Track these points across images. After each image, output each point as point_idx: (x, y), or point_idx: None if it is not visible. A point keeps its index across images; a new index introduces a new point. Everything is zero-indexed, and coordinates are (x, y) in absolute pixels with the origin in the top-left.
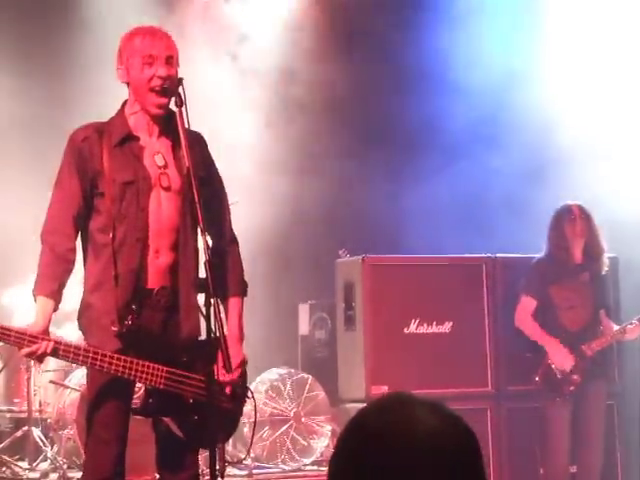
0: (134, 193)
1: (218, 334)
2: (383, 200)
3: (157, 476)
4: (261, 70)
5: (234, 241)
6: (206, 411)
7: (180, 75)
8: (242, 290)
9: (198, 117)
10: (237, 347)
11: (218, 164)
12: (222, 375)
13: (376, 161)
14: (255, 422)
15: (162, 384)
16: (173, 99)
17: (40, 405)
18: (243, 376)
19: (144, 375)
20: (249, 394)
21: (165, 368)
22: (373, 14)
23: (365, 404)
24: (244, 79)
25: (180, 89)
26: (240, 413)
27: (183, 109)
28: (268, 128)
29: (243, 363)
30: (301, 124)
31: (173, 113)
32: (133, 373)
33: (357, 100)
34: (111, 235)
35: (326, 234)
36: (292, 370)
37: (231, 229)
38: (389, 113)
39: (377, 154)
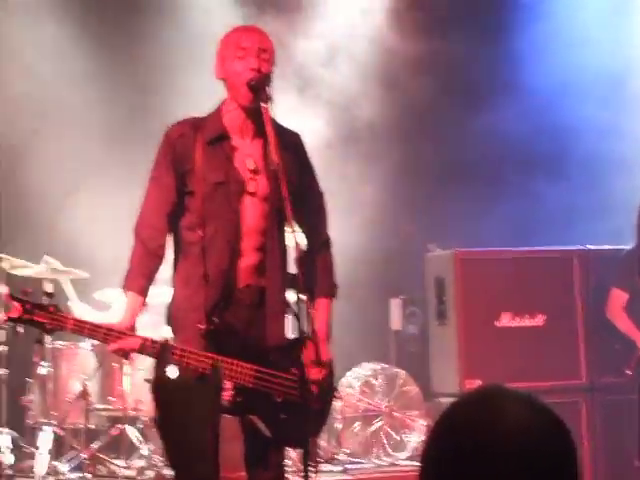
0: (225, 194)
1: (308, 331)
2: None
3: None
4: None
5: (326, 244)
6: (297, 410)
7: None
8: (332, 292)
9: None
10: (323, 347)
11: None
12: (311, 374)
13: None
14: (344, 419)
15: (251, 382)
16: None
17: (135, 403)
18: (330, 375)
19: (232, 373)
20: (336, 394)
21: (253, 366)
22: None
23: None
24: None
25: (267, 87)
26: (327, 412)
27: (270, 105)
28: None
29: (329, 363)
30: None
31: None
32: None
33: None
34: (200, 233)
35: (416, 228)
36: (385, 365)
37: (325, 232)
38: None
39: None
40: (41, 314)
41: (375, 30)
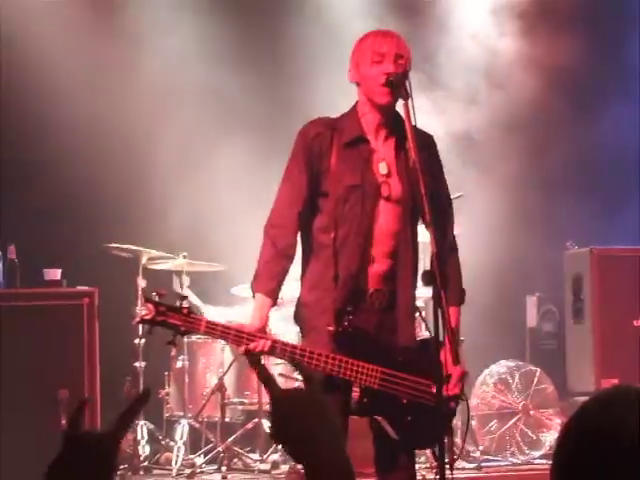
0: (359, 197)
1: (441, 330)
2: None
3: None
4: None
5: (454, 249)
6: (424, 411)
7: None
8: (460, 299)
9: None
10: (459, 353)
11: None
12: (449, 389)
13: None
14: (468, 420)
15: (376, 384)
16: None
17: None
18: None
19: (359, 375)
20: (463, 396)
21: (380, 368)
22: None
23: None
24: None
25: (406, 83)
26: (454, 412)
27: (409, 102)
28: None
29: (465, 375)
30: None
31: (399, 116)
32: (348, 373)
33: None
34: (332, 236)
35: (553, 227)
36: (520, 363)
37: (453, 235)
38: None
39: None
40: (175, 316)
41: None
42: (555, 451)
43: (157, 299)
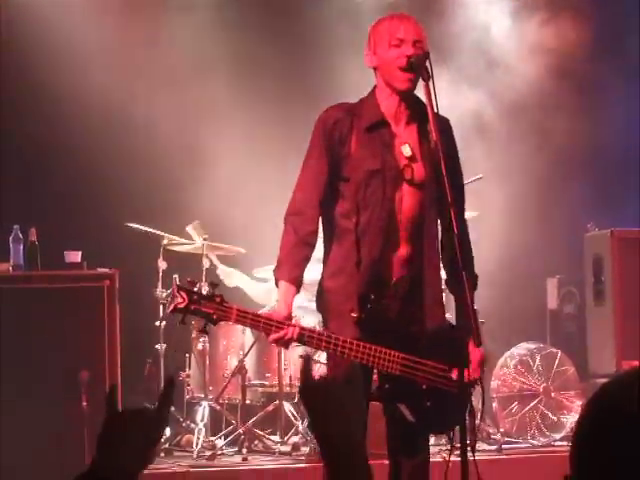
0: (380, 181)
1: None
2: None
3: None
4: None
5: (466, 234)
6: (442, 396)
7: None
8: (475, 285)
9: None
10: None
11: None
12: (471, 373)
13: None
14: (483, 405)
15: (398, 370)
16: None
17: (290, 380)
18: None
19: (381, 361)
20: (479, 381)
21: (400, 354)
22: None
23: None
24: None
25: (427, 63)
26: (470, 396)
27: (430, 83)
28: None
29: (485, 358)
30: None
31: (421, 101)
32: (371, 359)
33: None
34: (354, 221)
35: (573, 208)
36: (541, 345)
37: (465, 220)
38: None
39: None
40: (208, 304)
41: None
42: (574, 432)
43: (190, 287)
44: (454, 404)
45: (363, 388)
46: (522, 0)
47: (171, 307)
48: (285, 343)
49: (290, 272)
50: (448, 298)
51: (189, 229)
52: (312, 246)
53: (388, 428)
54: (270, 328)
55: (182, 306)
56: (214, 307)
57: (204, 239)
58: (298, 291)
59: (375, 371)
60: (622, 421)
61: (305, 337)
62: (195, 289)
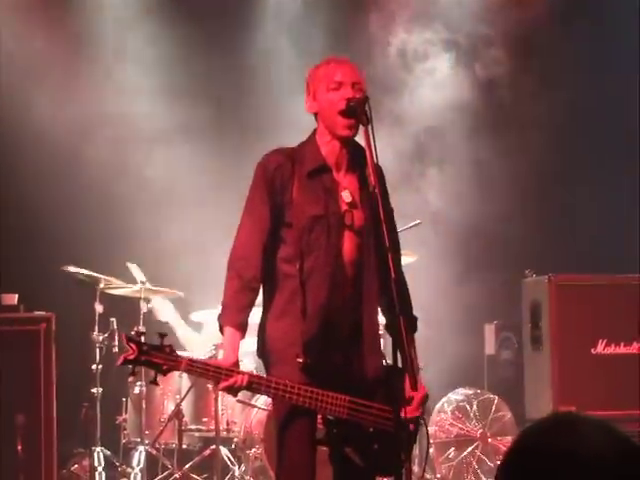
0: (324, 227)
1: (401, 356)
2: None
3: None
4: None
5: (402, 277)
6: (388, 439)
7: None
8: (414, 327)
9: None
10: (419, 379)
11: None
12: (409, 411)
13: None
14: (428, 445)
15: (345, 413)
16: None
17: (227, 424)
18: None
19: (328, 406)
20: (423, 421)
21: (347, 397)
22: None
23: None
24: None
25: (367, 108)
26: (415, 438)
27: (369, 127)
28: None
29: (426, 398)
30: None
31: (360, 147)
32: (319, 404)
33: None
34: (298, 266)
35: (512, 253)
36: (478, 390)
37: (400, 266)
38: None
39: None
40: (158, 355)
41: None
42: (497, 474)
43: (138, 338)
44: (399, 446)
45: (310, 432)
46: None
47: (121, 359)
48: (235, 390)
49: (235, 318)
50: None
51: (129, 265)
52: (256, 291)
53: (335, 474)
54: (219, 376)
55: (132, 357)
56: (164, 358)
57: (142, 282)
58: (243, 336)
59: (320, 417)
60: (537, 466)
61: (254, 384)
62: (143, 340)
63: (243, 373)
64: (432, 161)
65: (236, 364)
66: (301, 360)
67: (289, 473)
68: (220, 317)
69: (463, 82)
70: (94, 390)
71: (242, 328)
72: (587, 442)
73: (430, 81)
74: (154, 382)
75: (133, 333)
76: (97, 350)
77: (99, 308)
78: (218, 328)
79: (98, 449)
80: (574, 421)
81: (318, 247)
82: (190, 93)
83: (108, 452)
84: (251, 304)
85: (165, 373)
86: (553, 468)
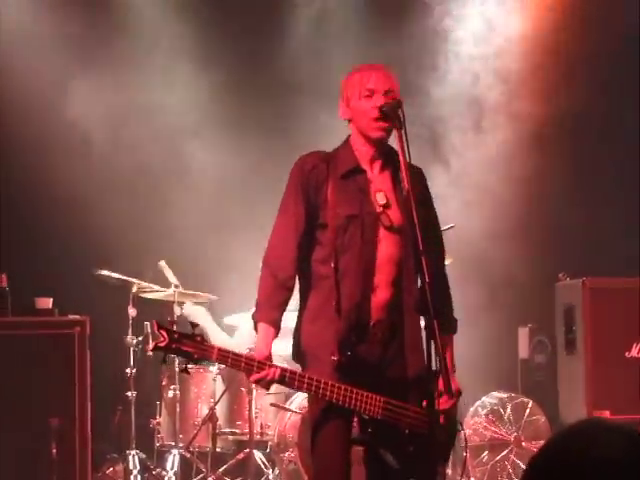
0: (358, 226)
1: (438, 359)
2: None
3: None
4: None
5: (445, 279)
6: (424, 442)
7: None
8: (453, 328)
9: None
10: (453, 378)
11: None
12: (440, 403)
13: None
14: (466, 451)
15: (380, 414)
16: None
17: (261, 428)
18: (456, 406)
19: (363, 405)
20: (460, 426)
21: (382, 398)
22: None
23: None
24: None
25: (399, 112)
26: (452, 443)
27: (402, 131)
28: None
29: (459, 393)
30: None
31: (394, 150)
32: (353, 402)
33: None
34: (333, 266)
35: (546, 256)
36: (512, 394)
37: (444, 266)
38: None
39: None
40: (188, 344)
41: None
42: (522, 476)
43: (170, 326)
44: (435, 450)
45: (345, 431)
46: None
47: (152, 345)
48: (266, 383)
49: (269, 314)
50: None
51: (161, 264)
52: (290, 290)
53: (368, 474)
54: (251, 368)
55: (163, 345)
56: (195, 346)
57: (175, 286)
58: (277, 334)
59: (355, 417)
60: (558, 472)
61: (286, 378)
62: (175, 328)
63: (275, 366)
64: (465, 159)
65: (269, 358)
66: (335, 358)
67: (324, 473)
68: (254, 314)
69: None
70: (128, 394)
71: (276, 325)
72: (612, 449)
73: None
74: (185, 371)
75: (167, 322)
76: (131, 354)
77: (132, 312)
78: (252, 326)
79: (133, 452)
80: (601, 427)
81: (353, 247)
82: (237, 88)
83: (143, 455)
84: (285, 302)
85: (196, 362)
86: (578, 474)
